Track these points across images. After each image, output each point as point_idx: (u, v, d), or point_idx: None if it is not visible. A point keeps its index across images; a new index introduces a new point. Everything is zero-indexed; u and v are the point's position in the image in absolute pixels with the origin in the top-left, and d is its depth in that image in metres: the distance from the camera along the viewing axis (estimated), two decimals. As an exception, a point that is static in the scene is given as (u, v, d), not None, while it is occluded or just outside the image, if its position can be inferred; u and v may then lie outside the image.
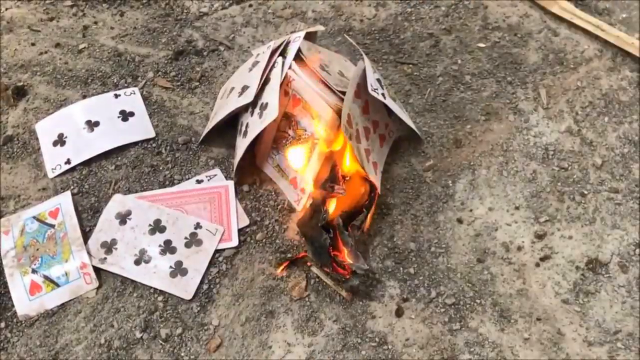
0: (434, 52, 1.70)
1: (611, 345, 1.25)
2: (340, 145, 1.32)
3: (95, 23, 1.79)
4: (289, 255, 1.37)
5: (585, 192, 1.44)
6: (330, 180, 1.24)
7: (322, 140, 1.31)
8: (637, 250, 1.36)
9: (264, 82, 1.38)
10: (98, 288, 1.33)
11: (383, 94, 1.36)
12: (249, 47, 1.71)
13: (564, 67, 1.65)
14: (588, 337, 1.26)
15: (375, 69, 1.45)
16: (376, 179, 1.40)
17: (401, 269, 1.35)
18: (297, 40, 1.36)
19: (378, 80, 1.38)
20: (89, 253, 1.35)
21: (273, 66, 1.38)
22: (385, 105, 1.41)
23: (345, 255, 1.29)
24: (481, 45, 1.70)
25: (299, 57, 1.37)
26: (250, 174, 1.48)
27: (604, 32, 1.69)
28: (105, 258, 1.35)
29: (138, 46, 1.73)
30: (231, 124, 1.49)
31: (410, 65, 1.67)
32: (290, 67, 1.34)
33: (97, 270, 1.34)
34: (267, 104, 1.33)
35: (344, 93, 1.32)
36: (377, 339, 1.26)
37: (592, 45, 1.69)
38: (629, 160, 1.48)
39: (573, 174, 1.47)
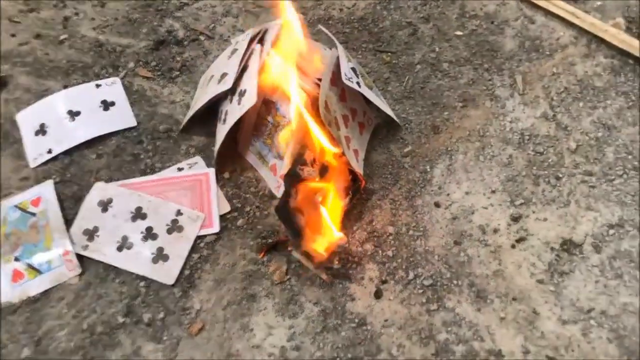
0: (412, 40, 1.72)
1: (584, 323, 1.28)
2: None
3: (76, 14, 1.80)
4: (269, 240, 1.38)
5: (560, 176, 1.47)
6: (300, 163, 1.25)
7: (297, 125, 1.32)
8: (610, 231, 1.39)
9: (243, 69, 1.40)
10: (81, 275, 1.34)
11: (358, 83, 1.38)
12: (229, 37, 1.73)
13: (539, 54, 1.68)
14: (562, 315, 1.29)
15: (351, 57, 1.47)
16: (358, 167, 1.42)
17: (380, 252, 1.37)
18: (275, 28, 1.37)
19: (353, 69, 1.40)
20: (71, 240, 1.36)
21: (251, 53, 1.40)
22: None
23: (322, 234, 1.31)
24: (459, 33, 1.73)
25: (277, 45, 1.39)
26: (231, 161, 1.50)
27: (579, 19, 1.72)
28: (88, 245, 1.37)
29: (119, 36, 1.74)
30: (212, 112, 1.50)
31: (389, 54, 1.70)
32: (268, 54, 1.36)
33: (79, 257, 1.35)
34: (245, 90, 1.35)
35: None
36: (356, 320, 1.28)
37: (568, 32, 1.72)
38: (602, 144, 1.51)
39: (548, 158, 1.50)
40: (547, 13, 1.75)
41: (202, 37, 1.74)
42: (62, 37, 1.73)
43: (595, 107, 1.58)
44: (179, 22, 1.77)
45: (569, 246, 1.37)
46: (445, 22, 1.75)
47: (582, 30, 1.71)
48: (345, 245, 1.31)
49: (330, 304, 1.30)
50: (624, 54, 1.66)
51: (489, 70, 1.65)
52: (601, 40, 1.69)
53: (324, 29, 1.43)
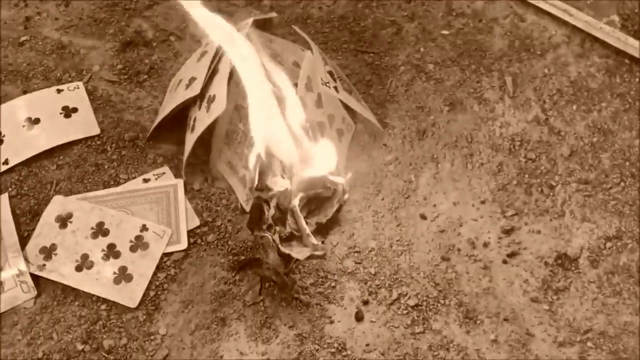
0: (395, 40, 1.62)
1: (582, 346, 1.19)
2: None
3: (39, 14, 1.69)
4: (242, 257, 1.28)
5: (554, 184, 1.38)
6: (272, 174, 1.15)
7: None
8: (608, 244, 1.30)
9: (212, 72, 1.30)
10: (36, 297, 1.24)
11: (335, 87, 1.28)
12: (201, 38, 1.62)
13: (530, 53, 1.58)
14: (558, 337, 1.20)
15: (328, 59, 1.37)
16: (337, 176, 1.33)
17: (361, 269, 1.28)
18: (245, 28, 1.27)
19: (330, 72, 1.30)
20: (26, 260, 1.26)
21: (222, 56, 1.30)
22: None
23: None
24: (445, 32, 1.63)
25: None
26: (201, 171, 1.40)
27: (572, 17, 1.62)
28: (44, 265, 1.26)
29: (83, 38, 1.63)
30: (182, 119, 1.40)
31: (371, 54, 1.60)
32: (238, 56, 1.25)
33: (35, 278, 1.25)
34: (214, 96, 1.25)
35: (297, 85, 1.25)
36: (335, 345, 1.19)
37: (560, 30, 1.62)
38: (598, 150, 1.42)
39: (541, 165, 1.41)
40: (538, 10, 1.66)
41: (172, 38, 1.63)
42: (22, 39, 1.62)
43: (590, 110, 1.49)
44: (148, 22, 1.66)
45: (564, 261, 1.28)
46: (430, 20, 1.65)
47: (575, 29, 1.62)
48: (325, 254, 1.21)
49: (308, 327, 1.21)
50: (619, 53, 1.57)
51: (477, 71, 1.55)
52: (595, 39, 1.60)
53: (297, 29, 1.33)
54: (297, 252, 1.16)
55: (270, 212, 1.12)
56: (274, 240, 1.13)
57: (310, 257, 1.16)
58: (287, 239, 1.17)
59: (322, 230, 1.30)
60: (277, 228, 1.14)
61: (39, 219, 1.32)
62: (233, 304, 1.23)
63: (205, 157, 1.40)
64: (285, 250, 1.13)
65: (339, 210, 1.33)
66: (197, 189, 1.37)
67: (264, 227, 1.14)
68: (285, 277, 1.20)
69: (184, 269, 1.27)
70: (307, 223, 1.20)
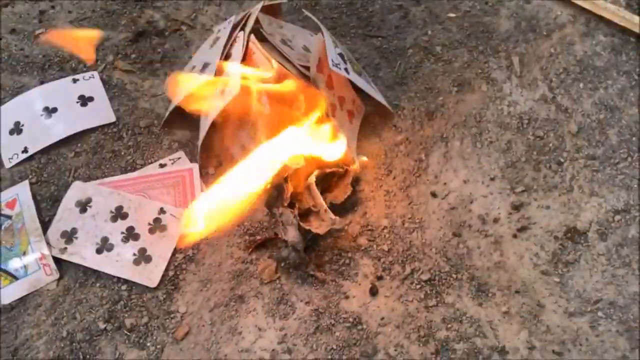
0: (403, 23, 1.65)
1: (592, 315, 1.21)
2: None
3: (52, 7, 1.72)
4: (258, 237, 1.31)
5: (562, 160, 1.40)
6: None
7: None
8: (616, 217, 1.32)
9: (225, 58, 1.33)
10: (59, 279, 1.27)
11: (346, 69, 1.31)
12: (211, 26, 1.65)
13: (536, 34, 1.60)
14: (569, 307, 1.22)
15: (338, 43, 1.39)
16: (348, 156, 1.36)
17: (375, 246, 1.30)
18: (255, 12, 1.30)
19: (340, 54, 1.33)
20: (48, 243, 1.29)
21: (234, 41, 1.33)
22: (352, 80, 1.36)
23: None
24: (451, 15, 1.65)
25: (259, 33, 1.32)
26: (216, 155, 1.43)
27: (576, -3, 1.64)
28: (66, 248, 1.30)
29: (97, 29, 1.66)
30: (195, 105, 1.43)
31: (380, 38, 1.62)
32: (249, 41, 1.28)
33: (57, 261, 1.28)
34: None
35: (307, 68, 1.28)
36: (351, 320, 1.21)
37: (566, 11, 1.64)
38: (605, 126, 1.44)
39: (549, 142, 1.43)
40: (544, -8, 1.68)
41: (183, 27, 1.66)
42: (38, 32, 1.66)
43: (597, 87, 1.51)
44: (159, 13, 1.69)
45: (573, 234, 1.30)
46: (437, 3, 1.68)
47: (580, 9, 1.63)
48: (344, 228, 1.23)
49: (323, 303, 1.23)
50: (624, 31, 1.59)
51: (484, 52, 1.58)
52: (600, 18, 1.61)
53: (308, 13, 1.36)
54: (316, 227, 1.19)
55: (289, 189, 1.15)
56: (295, 217, 1.16)
57: (329, 231, 1.19)
58: (304, 215, 1.20)
59: (335, 210, 1.33)
60: (297, 205, 1.17)
61: (59, 205, 1.35)
62: (250, 282, 1.26)
63: (219, 141, 1.43)
64: (305, 225, 1.16)
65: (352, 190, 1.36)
66: (212, 173, 1.40)
67: (285, 204, 1.17)
68: (302, 253, 1.23)
69: (202, 250, 1.31)
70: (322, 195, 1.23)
